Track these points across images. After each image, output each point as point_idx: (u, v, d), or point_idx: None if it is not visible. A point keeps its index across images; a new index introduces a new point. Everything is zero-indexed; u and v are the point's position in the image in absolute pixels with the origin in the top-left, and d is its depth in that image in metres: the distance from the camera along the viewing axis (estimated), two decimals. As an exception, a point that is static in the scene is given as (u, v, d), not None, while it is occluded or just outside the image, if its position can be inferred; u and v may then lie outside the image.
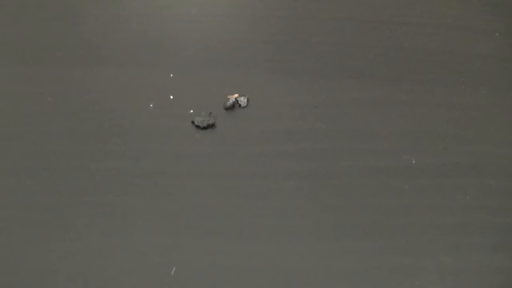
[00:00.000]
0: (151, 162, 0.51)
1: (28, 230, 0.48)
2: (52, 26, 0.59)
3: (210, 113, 0.54)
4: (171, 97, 0.55)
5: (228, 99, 0.55)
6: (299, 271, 0.47)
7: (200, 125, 0.53)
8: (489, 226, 0.50)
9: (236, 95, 0.55)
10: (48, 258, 0.46)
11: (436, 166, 0.52)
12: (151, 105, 0.55)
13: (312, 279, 0.46)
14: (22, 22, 0.60)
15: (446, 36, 0.61)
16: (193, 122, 0.53)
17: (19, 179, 0.50)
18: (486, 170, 0.53)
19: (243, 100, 0.55)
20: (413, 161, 0.52)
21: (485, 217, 0.50)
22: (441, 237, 0.49)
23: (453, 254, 0.48)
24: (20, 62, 0.57)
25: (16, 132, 0.53)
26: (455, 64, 0.59)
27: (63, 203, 0.49)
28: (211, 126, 0.53)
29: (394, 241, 0.48)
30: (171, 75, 0.57)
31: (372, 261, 0.47)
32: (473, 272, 0.47)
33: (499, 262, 0.48)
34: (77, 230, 0.48)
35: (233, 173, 0.51)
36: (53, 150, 0.52)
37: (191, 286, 0.46)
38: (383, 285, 0.46)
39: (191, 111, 0.54)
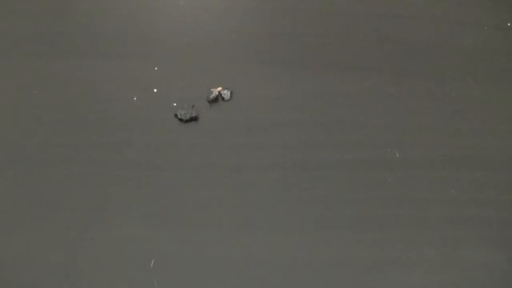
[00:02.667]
0: (134, 154, 0.51)
1: (11, 221, 0.47)
2: (37, 18, 0.59)
3: (193, 106, 0.53)
4: (155, 90, 0.55)
5: (211, 92, 0.54)
6: (282, 263, 0.47)
7: (183, 118, 0.53)
8: (474, 219, 0.49)
9: (219, 88, 0.55)
10: (30, 249, 0.46)
11: (421, 159, 0.52)
12: (135, 98, 0.54)
13: (296, 271, 0.46)
14: (6, 14, 0.59)
15: (434, 29, 0.61)
16: (176, 115, 0.53)
17: (2, 171, 0.50)
18: (472, 162, 0.52)
19: (226, 93, 0.54)
20: (397, 154, 0.52)
21: (471, 210, 0.50)
22: (426, 230, 0.49)
23: (438, 248, 0.48)
24: (5, 54, 0.57)
25: (0, 124, 0.52)
26: (443, 57, 0.59)
27: (46, 195, 0.49)
28: (194, 119, 0.53)
29: (378, 234, 0.48)
30: (156, 68, 0.56)
31: (356, 254, 0.47)
32: (458, 266, 0.47)
33: (484, 256, 0.48)
34: (59, 221, 0.48)
35: (216, 166, 0.51)
36: (37, 141, 0.51)
37: (170, 278, 0.46)
38: (367, 277, 0.46)
39: (174, 104, 0.54)
